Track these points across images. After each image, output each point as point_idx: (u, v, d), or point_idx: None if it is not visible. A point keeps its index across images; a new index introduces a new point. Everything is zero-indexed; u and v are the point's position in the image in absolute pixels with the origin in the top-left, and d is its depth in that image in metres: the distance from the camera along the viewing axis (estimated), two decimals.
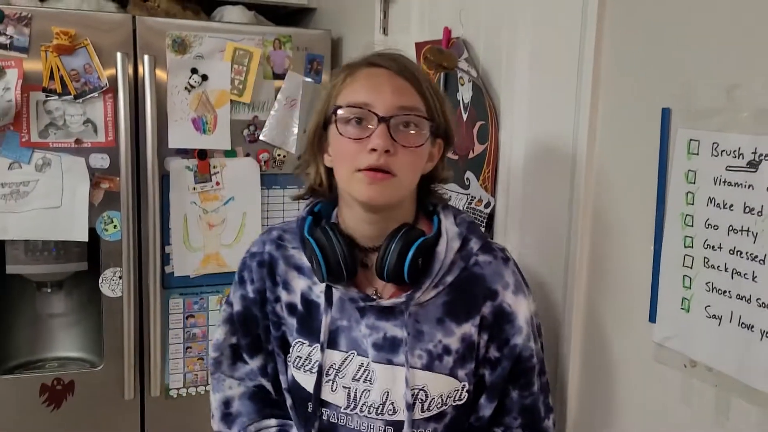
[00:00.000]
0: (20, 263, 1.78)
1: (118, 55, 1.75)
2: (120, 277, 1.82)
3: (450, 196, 1.50)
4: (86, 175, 1.79)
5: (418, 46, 1.59)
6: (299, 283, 1.01)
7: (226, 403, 1.07)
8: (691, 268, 0.92)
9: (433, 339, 0.96)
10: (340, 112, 0.92)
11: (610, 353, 1.09)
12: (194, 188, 1.89)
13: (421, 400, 0.95)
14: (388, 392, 0.95)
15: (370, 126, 0.90)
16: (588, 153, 1.11)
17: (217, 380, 1.09)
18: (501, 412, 1.01)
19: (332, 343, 0.97)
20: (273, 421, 1.06)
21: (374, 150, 0.89)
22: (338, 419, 0.97)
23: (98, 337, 1.87)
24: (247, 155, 1.94)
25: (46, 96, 1.73)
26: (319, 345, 0.97)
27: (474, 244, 0.99)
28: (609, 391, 1.09)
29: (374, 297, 0.98)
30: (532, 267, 1.25)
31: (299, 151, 1.97)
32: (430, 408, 0.95)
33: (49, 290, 1.90)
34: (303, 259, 1.01)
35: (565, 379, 1.17)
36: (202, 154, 1.89)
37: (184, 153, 1.88)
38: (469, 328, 0.96)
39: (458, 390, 0.97)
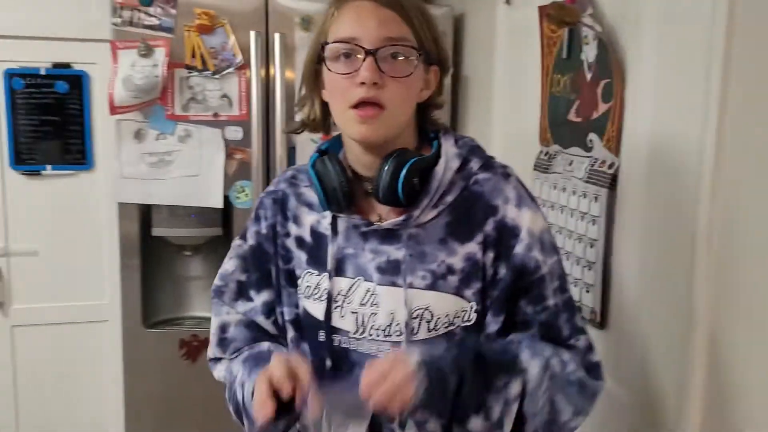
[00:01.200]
0: (164, 227, 1.95)
1: (252, 33, 1.87)
2: None
3: (574, 161, 1.44)
4: (222, 146, 1.92)
5: (541, 9, 1.54)
6: (309, 218, 1.04)
7: (223, 328, 1.10)
8: None
9: (436, 259, 0.95)
10: (328, 47, 0.94)
11: (740, 353, 0.98)
12: None
13: (427, 320, 0.95)
14: (393, 314, 0.96)
15: (358, 60, 0.91)
16: (720, 112, 1.02)
17: (216, 305, 1.13)
18: (519, 328, 0.97)
19: (339, 271, 1.00)
20: (266, 343, 1.09)
21: (363, 83, 0.90)
22: (349, 344, 0.99)
23: None
24: None
25: (189, 72, 1.88)
26: (326, 273, 1.00)
27: (474, 164, 0.99)
28: (739, 397, 0.98)
29: (375, 222, 0.99)
30: (656, 233, 1.17)
31: None
32: (437, 328, 0.95)
33: (188, 253, 2.07)
34: (314, 196, 1.04)
35: (688, 382, 1.07)
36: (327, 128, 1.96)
37: None
38: (473, 246, 0.95)
39: (466, 310, 0.96)
